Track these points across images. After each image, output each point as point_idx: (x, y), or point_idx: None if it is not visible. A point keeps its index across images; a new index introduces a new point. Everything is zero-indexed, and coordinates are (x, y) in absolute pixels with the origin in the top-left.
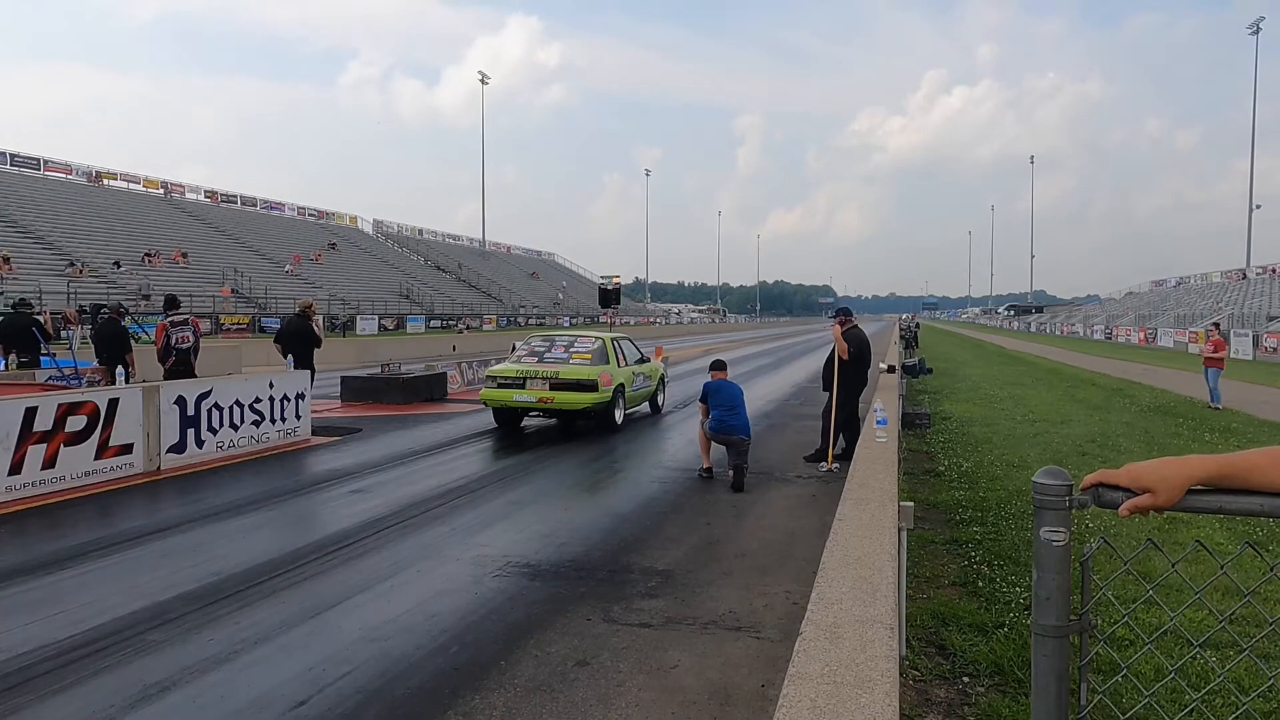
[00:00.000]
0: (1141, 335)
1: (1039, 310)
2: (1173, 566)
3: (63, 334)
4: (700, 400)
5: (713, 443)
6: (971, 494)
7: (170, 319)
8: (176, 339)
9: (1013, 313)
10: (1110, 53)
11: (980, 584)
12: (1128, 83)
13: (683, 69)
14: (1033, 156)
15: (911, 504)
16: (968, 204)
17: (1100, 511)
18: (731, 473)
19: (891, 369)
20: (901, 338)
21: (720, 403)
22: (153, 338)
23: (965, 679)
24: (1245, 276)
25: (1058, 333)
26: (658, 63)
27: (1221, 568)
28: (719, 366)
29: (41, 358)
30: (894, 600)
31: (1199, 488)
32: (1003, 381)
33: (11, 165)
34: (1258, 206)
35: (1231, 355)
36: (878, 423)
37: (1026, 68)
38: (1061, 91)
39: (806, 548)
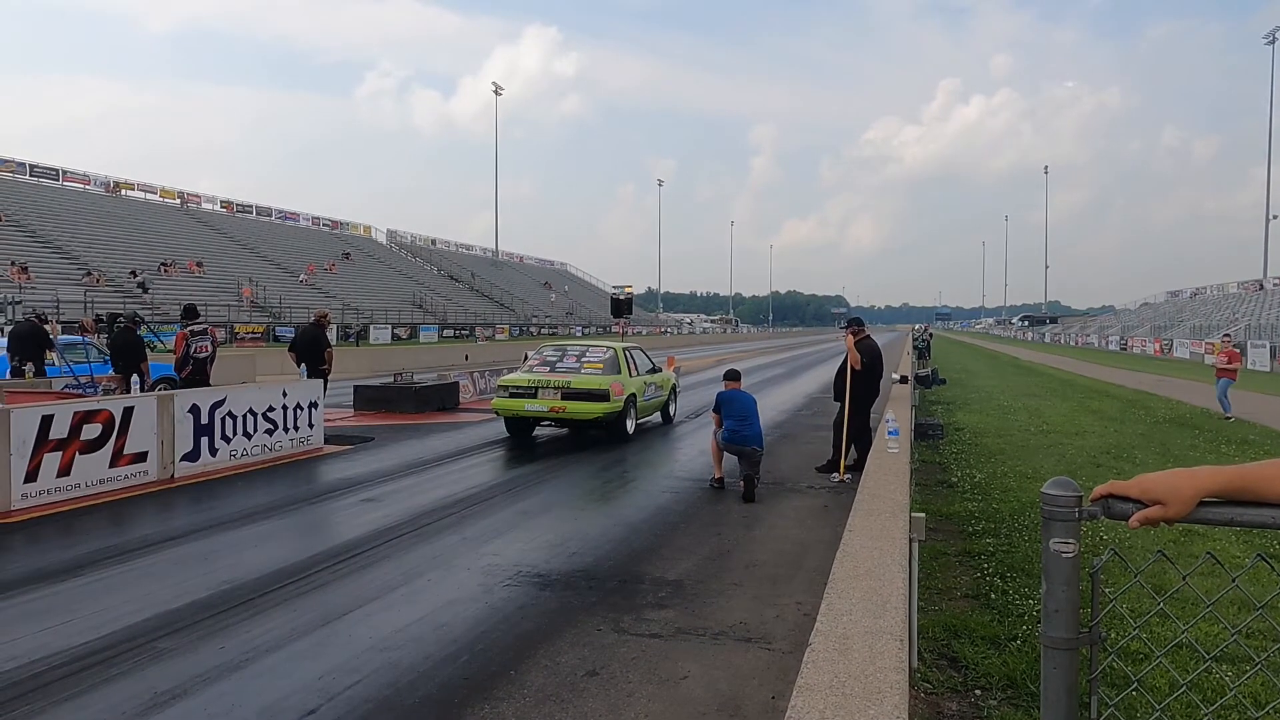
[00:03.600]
0: (1157, 346)
1: (1053, 321)
2: (1184, 579)
3: (83, 341)
4: (713, 410)
5: (725, 453)
6: (984, 505)
7: (190, 328)
8: (195, 348)
9: (1027, 323)
10: (1128, 62)
11: (993, 596)
12: (1145, 92)
13: (698, 79)
14: (1046, 167)
15: (923, 515)
16: (982, 214)
17: (1114, 523)
18: (743, 483)
19: (904, 380)
20: (914, 348)
21: (733, 413)
22: (169, 346)
23: (978, 692)
24: (1262, 287)
25: (1072, 343)
26: (673, 73)
27: (1233, 580)
28: (733, 376)
29: (47, 367)
30: (904, 612)
31: (1210, 499)
32: (1016, 392)
33: (31, 175)
34: (1275, 217)
35: (1249, 366)
36: (890, 433)
37: (1043, 78)
38: (1079, 101)
39: (818, 558)
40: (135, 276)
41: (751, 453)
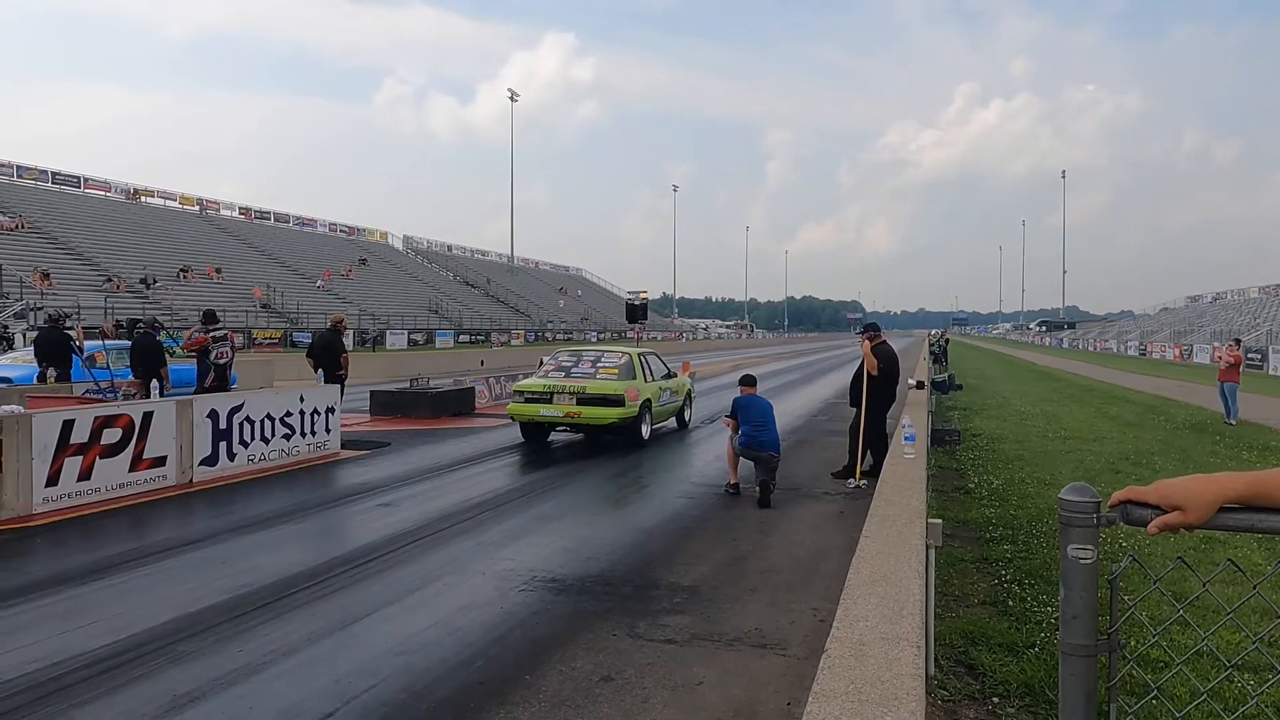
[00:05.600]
0: (1177, 352)
1: (1071, 326)
2: (1204, 586)
3: (104, 346)
4: (729, 415)
5: (741, 458)
6: (1002, 511)
7: (211, 334)
8: (215, 354)
9: (1044, 328)
10: (1149, 66)
11: (1011, 603)
12: (1166, 95)
13: (714, 84)
14: (1064, 171)
15: (940, 521)
16: (1000, 218)
17: (1134, 530)
18: (758, 489)
19: (920, 385)
20: (931, 353)
21: (750, 419)
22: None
23: (995, 699)
24: None
25: (1091, 349)
26: (689, 78)
27: (1254, 587)
28: (748, 382)
29: (73, 370)
30: (921, 618)
31: (1230, 506)
32: (1034, 398)
33: (53, 183)
34: None
35: (1270, 371)
36: (906, 439)
37: (1063, 81)
38: (1099, 105)
39: (833, 565)
40: (150, 280)
41: (769, 458)
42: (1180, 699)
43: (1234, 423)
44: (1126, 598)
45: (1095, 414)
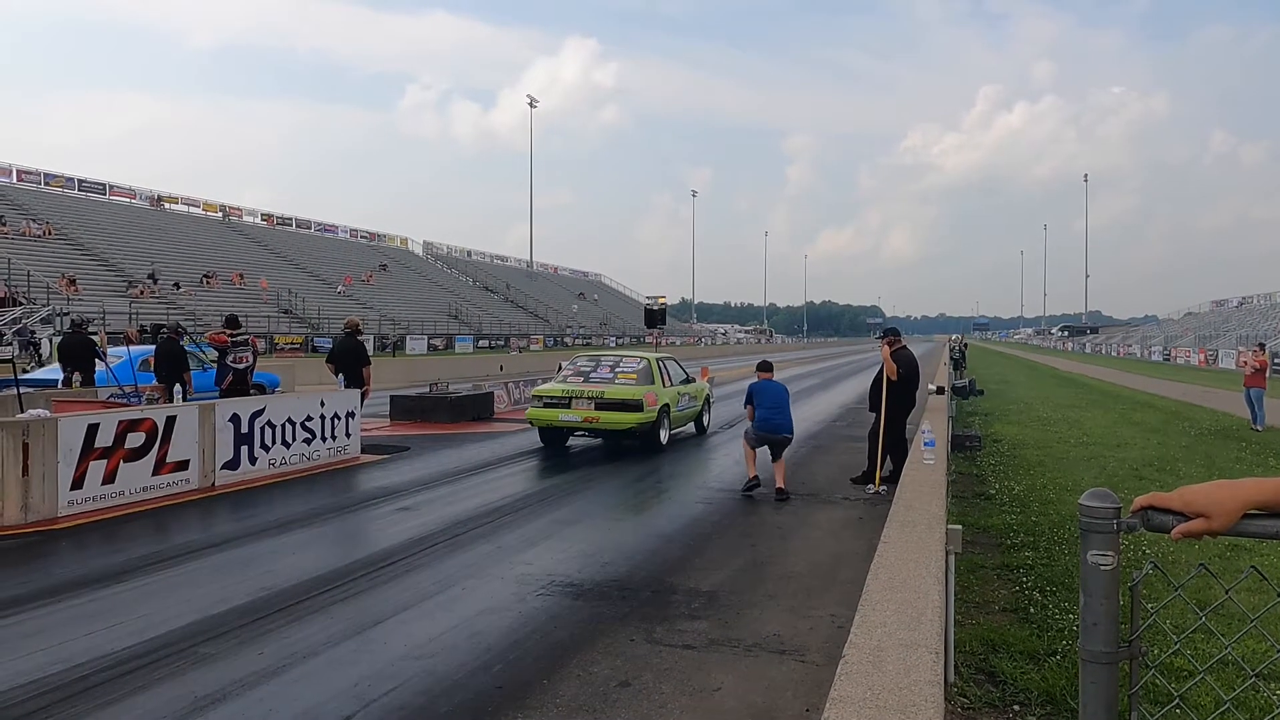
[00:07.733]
0: (1201, 357)
1: (1094, 331)
2: (1226, 593)
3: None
4: (746, 402)
5: (756, 448)
6: (1023, 518)
7: (232, 339)
8: (234, 358)
9: (1067, 333)
10: (1177, 67)
11: (1032, 610)
12: (1194, 97)
13: (734, 89)
14: (1086, 175)
15: (960, 527)
16: (1023, 222)
17: (1156, 536)
18: (775, 492)
19: (940, 390)
20: (950, 358)
21: (765, 401)
22: (212, 358)
23: (1016, 707)
24: None
25: (1114, 354)
26: (710, 83)
27: (1279, 595)
28: (765, 367)
29: (97, 374)
30: (939, 625)
31: (1255, 512)
32: (1056, 403)
33: (79, 190)
34: None
35: None
36: (926, 445)
37: (1087, 84)
38: (1125, 107)
39: (852, 570)
40: (172, 284)
41: (783, 440)
42: (1203, 708)
43: (1260, 428)
44: (1148, 605)
45: (1118, 420)
